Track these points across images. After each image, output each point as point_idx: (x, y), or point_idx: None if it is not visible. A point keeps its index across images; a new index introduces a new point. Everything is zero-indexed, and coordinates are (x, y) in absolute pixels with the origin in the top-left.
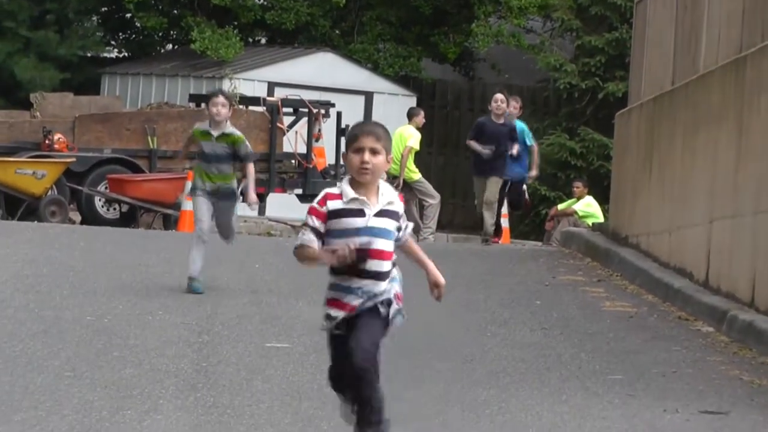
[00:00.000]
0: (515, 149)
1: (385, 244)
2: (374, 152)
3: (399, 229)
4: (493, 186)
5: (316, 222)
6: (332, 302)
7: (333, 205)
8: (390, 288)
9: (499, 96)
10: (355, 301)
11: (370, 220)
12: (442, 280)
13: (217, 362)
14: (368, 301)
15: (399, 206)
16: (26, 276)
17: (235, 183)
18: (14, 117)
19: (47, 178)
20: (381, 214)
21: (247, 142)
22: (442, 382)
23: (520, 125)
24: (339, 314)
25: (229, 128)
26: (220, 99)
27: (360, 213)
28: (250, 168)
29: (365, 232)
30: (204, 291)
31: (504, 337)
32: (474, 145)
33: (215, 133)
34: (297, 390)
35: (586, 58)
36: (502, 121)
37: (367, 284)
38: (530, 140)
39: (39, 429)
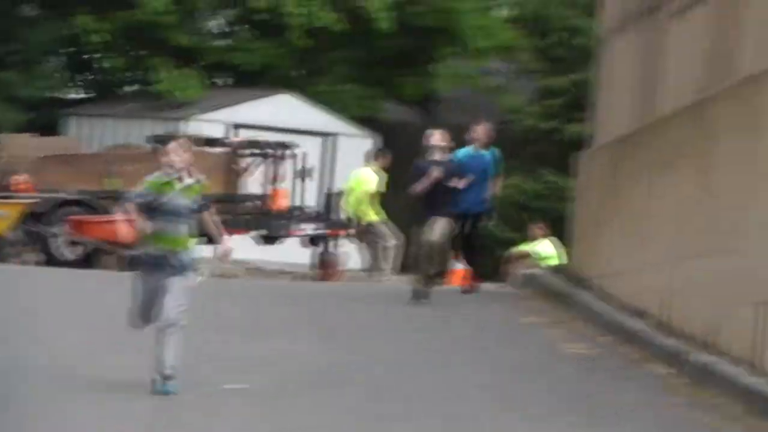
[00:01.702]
0: (461, 183)
1: None
2: None
3: None
4: (436, 226)
5: None
6: None
7: None
8: None
9: (431, 133)
10: None
11: None
12: None
13: (177, 404)
14: None
15: None
16: None
17: (191, 250)
18: None
19: (9, 219)
20: None
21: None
22: (398, 422)
23: (493, 153)
24: None
25: (191, 177)
26: (180, 144)
27: None
28: (208, 218)
29: None
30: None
31: (463, 378)
32: (415, 186)
33: (176, 184)
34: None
35: (547, 99)
36: (439, 159)
37: None
38: (497, 170)
39: None
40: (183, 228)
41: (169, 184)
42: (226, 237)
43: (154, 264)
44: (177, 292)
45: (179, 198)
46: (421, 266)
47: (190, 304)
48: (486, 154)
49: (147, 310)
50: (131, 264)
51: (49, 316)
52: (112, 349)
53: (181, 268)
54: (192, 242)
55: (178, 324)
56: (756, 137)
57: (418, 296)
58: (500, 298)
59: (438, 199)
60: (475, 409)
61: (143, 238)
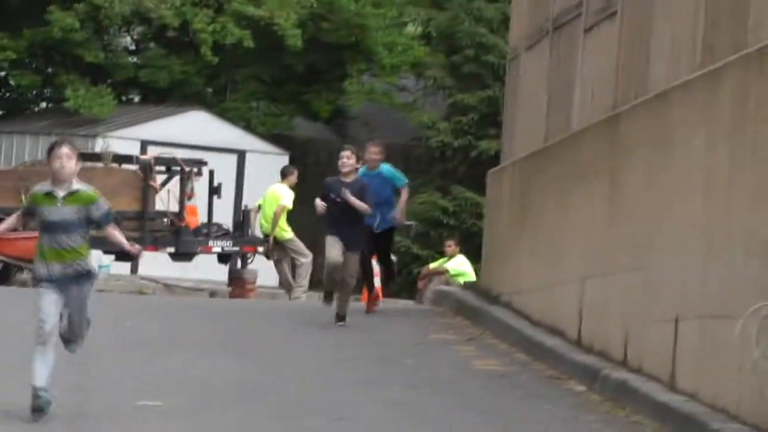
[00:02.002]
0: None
1: None
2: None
3: None
4: (350, 263)
5: None
6: None
7: None
8: None
9: (344, 153)
10: None
11: None
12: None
13: (90, 421)
14: None
15: None
16: None
17: (91, 260)
18: None
19: None
20: None
21: (103, 199)
22: None
23: (387, 169)
24: None
25: (77, 185)
26: (64, 150)
27: None
28: (113, 231)
29: None
30: (50, 405)
31: (375, 395)
32: (318, 203)
33: (61, 193)
34: None
35: (458, 116)
36: (349, 179)
37: None
38: (400, 182)
39: None
40: (75, 239)
41: (51, 195)
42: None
43: (52, 279)
44: (80, 308)
45: (65, 208)
46: (330, 287)
47: (98, 318)
48: (381, 172)
49: (52, 326)
50: (33, 280)
51: None
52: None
53: (80, 280)
54: (89, 252)
55: (79, 342)
56: (668, 151)
57: (338, 318)
58: (413, 314)
59: (345, 216)
60: (388, 426)
61: (39, 253)
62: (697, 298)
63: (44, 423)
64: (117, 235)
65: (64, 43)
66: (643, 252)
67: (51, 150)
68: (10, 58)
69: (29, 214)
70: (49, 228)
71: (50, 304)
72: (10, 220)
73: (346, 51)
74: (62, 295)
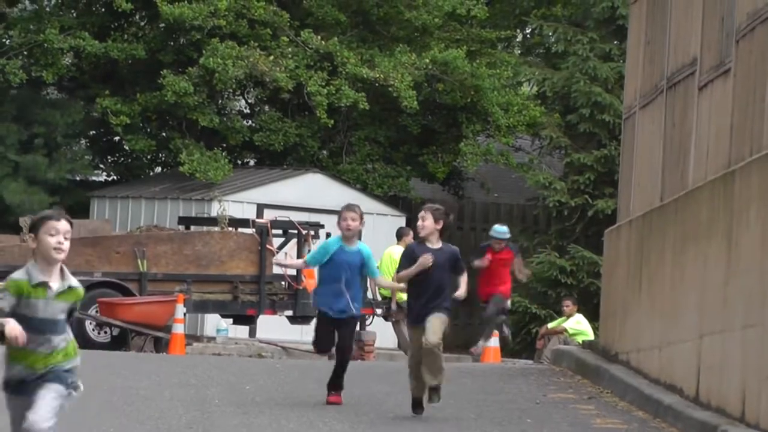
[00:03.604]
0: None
1: None
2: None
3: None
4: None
5: None
6: None
7: None
8: None
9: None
10: None
11: None
12: None
13: None
14: None
15: None
16: None
17: (73, 360)
18: (3, 241)
19: None
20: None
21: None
22: None
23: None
24: None
25: (71, 278)
26: (63, 225)
27: None
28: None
29: None
30: None
31: None
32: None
33: (55, 286)
34: None
35: (575, 175)
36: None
37: None
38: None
39: None
40: (58, 342)
41: (42, 286)
42: None
43: (20, 388)
44: (49, 400)
45: (54, 305)
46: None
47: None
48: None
49: None
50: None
51: None
52: None
53: (61, 378)
54: (71, 353)
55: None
56: None
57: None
58: (532, 374)
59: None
60: None
61: (10, 354)
62: None
63: None
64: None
65: (178, 108)
66: (758, 308)
67: (40, 223)
68: (124, 122)
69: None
70: (27, 325)
71: (17, 413)
72: None
73: (462, 112)
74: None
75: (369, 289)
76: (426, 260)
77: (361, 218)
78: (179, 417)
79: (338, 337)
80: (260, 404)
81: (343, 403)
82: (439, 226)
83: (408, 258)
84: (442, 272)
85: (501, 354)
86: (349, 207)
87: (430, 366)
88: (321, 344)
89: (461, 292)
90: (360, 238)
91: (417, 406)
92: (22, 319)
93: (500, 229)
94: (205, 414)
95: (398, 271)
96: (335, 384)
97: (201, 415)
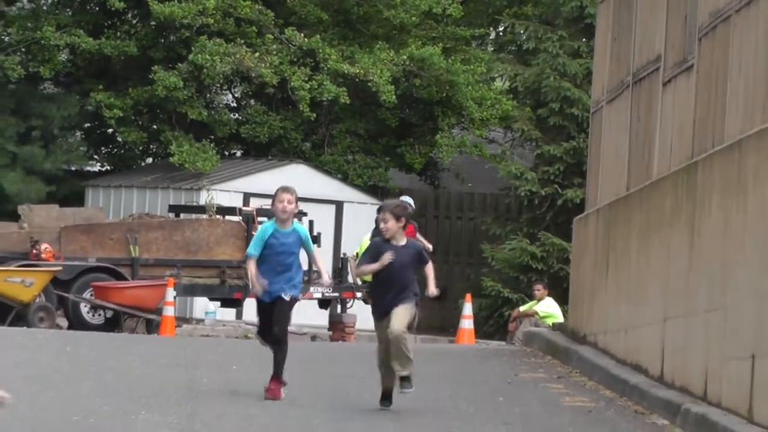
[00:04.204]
0: None
1: None
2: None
3: None
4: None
5: None
6: None
7: None
8: None
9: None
10: None
11: None
12: None
13: None
14: None
15: None
16: (15, 379)
17: None
18: (2, 228)
19: (35, 286)
20: None
21: None
22: None
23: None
24: None
25: None
26: None
27: None
28: None
29: None
30: None
31: (471, 430)
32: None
33: None
34: None
35: (545, 166)
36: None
37: None
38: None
39: None
40: None
41: None
42: None
43: None
44: None
45: None
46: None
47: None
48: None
49: None
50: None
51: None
52: None
53: None
54: None
55: None
56: (744, 197)
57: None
58: (504, 355)
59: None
60: None
61: None
62: None
63: None
64: None
65: (168, 101)
66: (718, 294)
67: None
68: (117, 115)
69: None
70: None
71: None
72: None
73: (437, 105)
74: None
75: (350, 273)
76: (386, 259)
77: (297, 201)
78: (169, 396)
79: (273, 321)
80: (246, 383)
81: (282, 398)
82: (402, 224)
83: (372, 254)
84: (406, 270)
85: (474, 336)
86: (285, 188)
87: (397, 355)
88: (264, 332)
89: (432, 288)
90: (296, 219)
91: (386, 398)
92: None
93: (407, 200)
94: (193, 392)
95: (359, 264)
96: (275, 373)
97: (189, 394)
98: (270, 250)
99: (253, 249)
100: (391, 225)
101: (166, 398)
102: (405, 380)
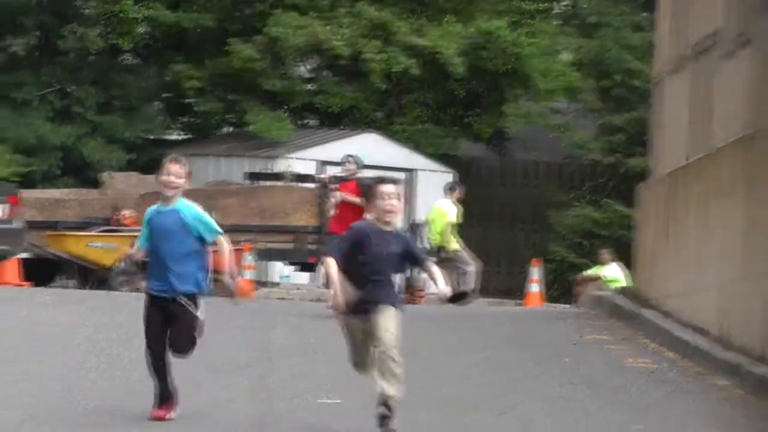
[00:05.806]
0: None
1: None
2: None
3: None
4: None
5: None
6: None
7: None
8: None
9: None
10: None
11: None
12: None
13: (273, 418)
14: None
15: None
16: (97, 340)
17: None
18: (84, 195)
19: (118, 251)
20: None
21: None
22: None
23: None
24: None
25: None
26: None
27: None
28: None
29: None
30: None
31: (535, 391)
32: None
33: None
34: None
35: (608, 136)
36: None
37: None
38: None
39: None
40: None
41: None
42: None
43: None
44: None
45: None
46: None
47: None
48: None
49: None
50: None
51: None
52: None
53: None
54: None
55: None
56: None
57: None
58: (570, 317)
59: None
60: (547, 420)
61: None
62: None
63: (232, 417)
64: None
65: (244, 73)
66: None
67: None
68: (195, 86)
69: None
70: None
71: None
72: None
73: (504, 77)
74: None
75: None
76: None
77: (188, 175)
78: (242, 356)
79: (169, 328)
80: (318, 344)
81: (169, 418)
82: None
83: (355, 240)
84: (391, 260)
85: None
86: (174, 159)
87: (382, 371)
88: (148, 336)
89: (443, 287)
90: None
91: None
92: None
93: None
94: (267, 353)
95: (335, 250)
96: (162, 395)
97: (263, 354)
98: (153, 234)
99: (141, 238)
100: (399, 205)
101: (239, 360)
102: (388, 407)
